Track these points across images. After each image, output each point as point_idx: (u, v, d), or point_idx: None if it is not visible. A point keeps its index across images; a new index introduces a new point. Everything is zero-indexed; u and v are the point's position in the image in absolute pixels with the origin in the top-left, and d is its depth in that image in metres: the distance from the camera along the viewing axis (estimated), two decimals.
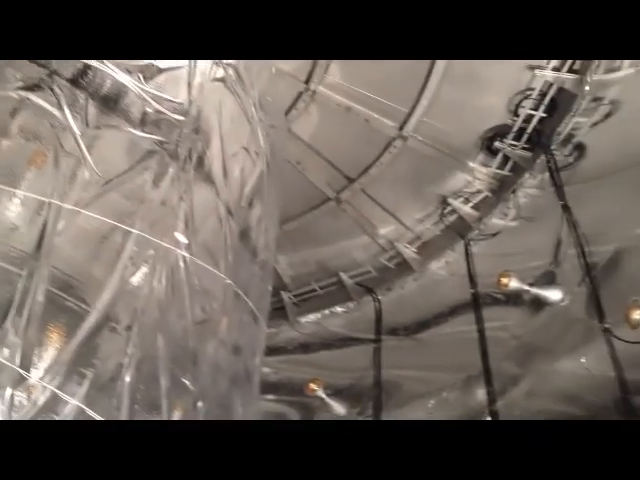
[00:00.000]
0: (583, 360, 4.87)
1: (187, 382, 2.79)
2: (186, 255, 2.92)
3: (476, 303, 6.24)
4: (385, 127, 6.44)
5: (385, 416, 6.39)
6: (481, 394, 5.72)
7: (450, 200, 6.74)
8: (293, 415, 7.03)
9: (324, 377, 6.84)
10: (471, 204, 6.67)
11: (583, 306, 5.10)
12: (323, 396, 6.69)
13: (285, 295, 7.65)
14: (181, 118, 3.28)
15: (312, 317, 7.67)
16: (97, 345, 2.62)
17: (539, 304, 5.59)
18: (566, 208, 5.42)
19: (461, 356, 6.15)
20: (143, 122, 3.14)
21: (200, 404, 2.80)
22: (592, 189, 5.48)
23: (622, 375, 4.43)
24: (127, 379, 2.55)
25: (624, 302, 4.34)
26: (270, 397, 7.15)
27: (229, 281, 3.17)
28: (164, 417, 2.63)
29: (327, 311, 7.60)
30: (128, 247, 2.83)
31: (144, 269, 2.83)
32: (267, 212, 3.91)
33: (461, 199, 6.70)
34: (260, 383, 3.67)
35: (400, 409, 6.36)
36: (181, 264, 2.93)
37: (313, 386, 6.65)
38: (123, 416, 2.48)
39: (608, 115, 5.51)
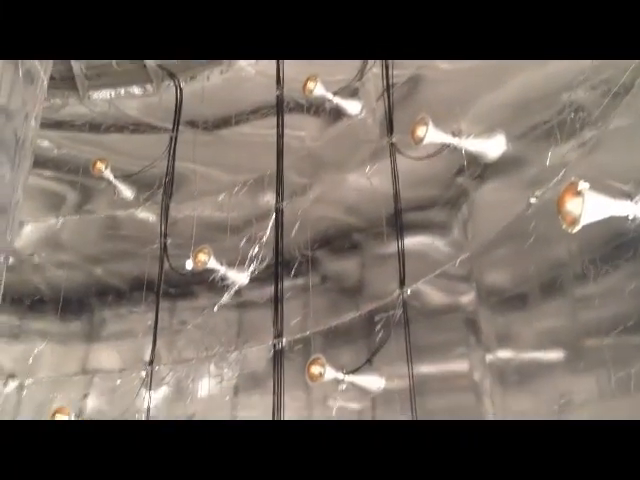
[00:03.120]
0: (367, 170, 5.14)
1: None
2: None
3: (279, 106, 6.19)
4: None
5: (174, 207, 6.35)
6: (270, 195, 5.90)
7: None
8: (70, 194, 6.66)
9: (112, 161, 6.47)
10: None
11: (378, 123, 5.30)
12: (110, 178, 6.38)
13: (76, 65, 6.86)
14: None
15: (105, 94, 7.06)
16: None
17: (338, 115, 5.69)
18: None
19: (256, 157, 6.19)
20: None
21: None
22: None
23: (398, 190, 4.78)
24: None
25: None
26: (48, 174, 6.66)
27: None
28: None
29: (122, 90, 7.04)
30: None
31: None
32: None
33: None
34: (38, 157, 3.30)
35: (191, 202, 6.34)
36: None
37: (100, 166, 6.26)
38: None
39: None
